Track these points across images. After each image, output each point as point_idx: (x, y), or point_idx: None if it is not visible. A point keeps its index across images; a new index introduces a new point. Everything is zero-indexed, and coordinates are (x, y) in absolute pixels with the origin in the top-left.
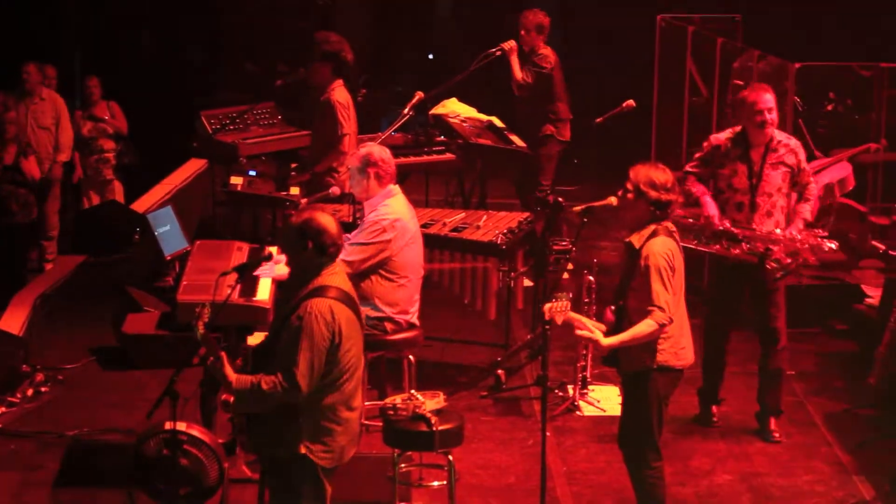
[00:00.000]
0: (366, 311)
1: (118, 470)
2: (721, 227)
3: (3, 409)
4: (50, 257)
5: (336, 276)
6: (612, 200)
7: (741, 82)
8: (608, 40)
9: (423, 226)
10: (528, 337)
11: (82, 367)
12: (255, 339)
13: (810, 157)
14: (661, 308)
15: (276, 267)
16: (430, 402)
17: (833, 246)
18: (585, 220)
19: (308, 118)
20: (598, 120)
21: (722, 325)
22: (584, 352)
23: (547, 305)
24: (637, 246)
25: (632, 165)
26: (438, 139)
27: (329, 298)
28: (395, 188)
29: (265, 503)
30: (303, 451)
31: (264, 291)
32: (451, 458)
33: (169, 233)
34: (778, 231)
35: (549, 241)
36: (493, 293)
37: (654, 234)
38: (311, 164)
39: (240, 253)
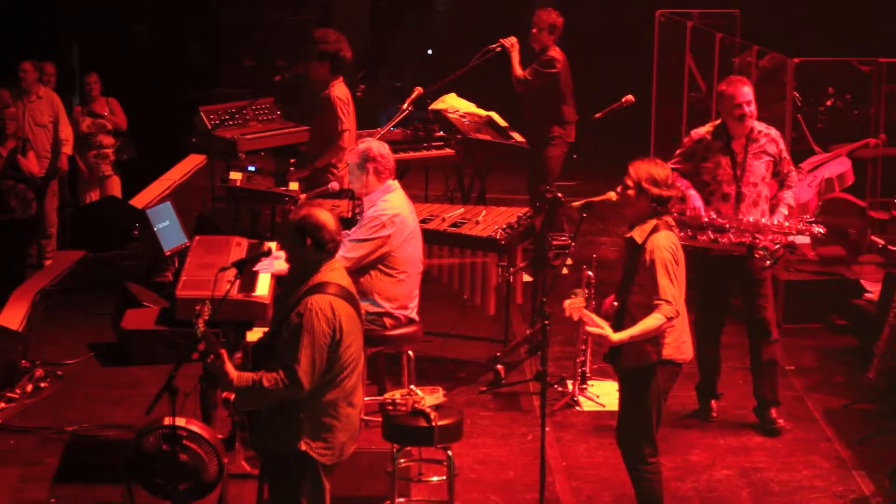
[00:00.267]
0: (365, 306)
1: (117, 465)
2: (707, 219)
3: (3, 404)
4: (50, 253)
5: (335, 271)
6: (612, 196)
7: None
8: (607, 35)
9: (423, 221)
10: (528, 332)
11: (82, 362)
12: (255, 334)
13: (809, 153)
14: (668, 302)
15: (275, 262)
16: (429, 398)
17: (821, 230)
18: (584, 215)
19: (307, 113)
20: (597, 115)
21: (713, 319)
22: (584, 347)
23: (567, 302)
24: (639, 241)
25: (630, 161)
26: (438, 134)
27: (329, 295)
28: (395, 183)
29: (264, 499)
30: (303, 447)
31: (263, 287)
32: (450, 453)
33: (168, 228)
34: (764, 220)
35: (548, 236)
36: (492, 288)
37: (655, 229)
38: (311, 159)
39: (239, 248)
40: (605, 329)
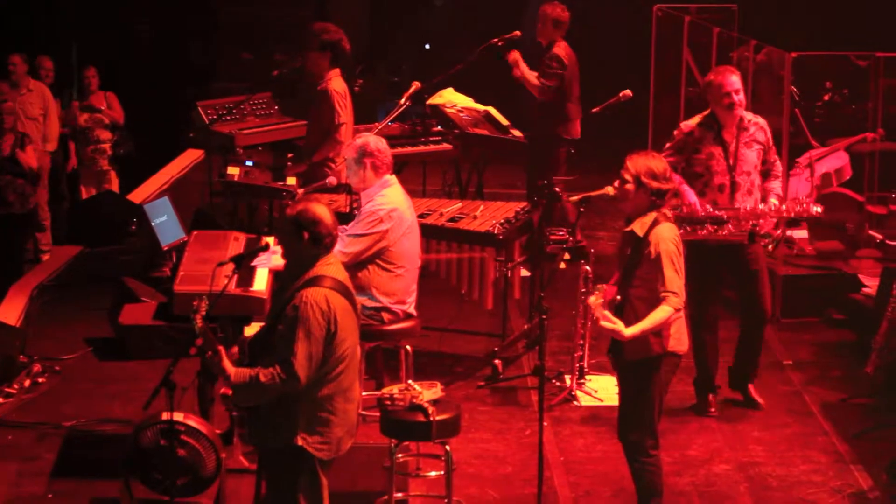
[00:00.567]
0: (363, 301)
1: (115, 460)
2: (704, 213)
3: (1, 399)
4: (45, 247)
5: (331, 266)
6: (609, 190)
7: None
8: (605, 29)
9: (420, 216)
10: (526, 327)
11: (79, 357)
12: (252, 329)
13: (807, 147)
14: (674, 293)
15: (272, 257)
16: (427, 392)
17: (819, 209)
18: (582, 209)
19: (304, 108)
20: (595, 110)
21: (710, 310)
22: (581, 342)
23: (591, 299)
24: (640, 234)
25: (628, 155)
26: (435, 129)
27: (324, 288)
28: (392, 178)
29: (262, 494)
30: (300, 442)
31: (261, 282)
32: (448, 447)
33: (165, 223)
34: (762, 206)
35: (545, 230)
36: (489, 283)
37: (656, 222)
38: (308, 153)
39: (236, 243)
40: (618, 324)
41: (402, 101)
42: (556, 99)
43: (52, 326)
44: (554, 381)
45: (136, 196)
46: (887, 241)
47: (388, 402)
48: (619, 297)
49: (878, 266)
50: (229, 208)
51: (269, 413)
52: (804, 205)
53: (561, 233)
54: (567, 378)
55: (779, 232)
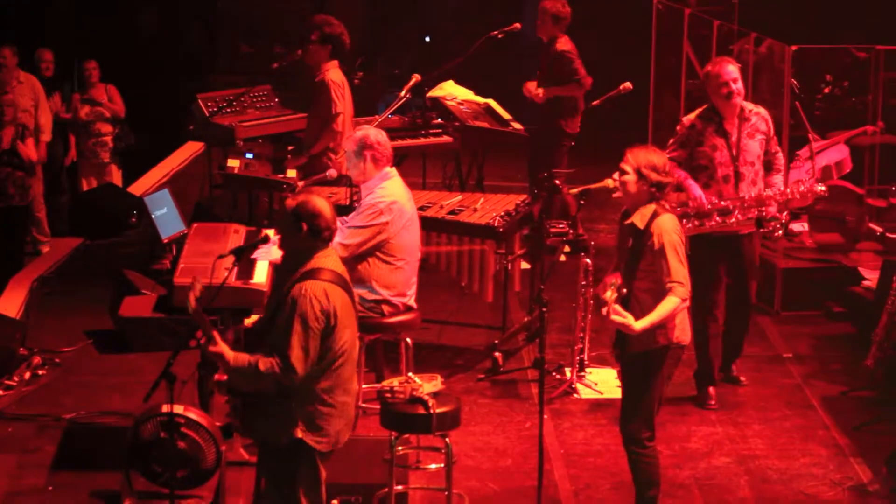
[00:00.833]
0: (363, 293)
1: (115, 453)
2: (710, 206)
3: (1, 391)
4: (44, 239)
5: (329, 258)
6: (609, 183)
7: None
8: (605, 22)
9: (420, 208)
10: (526, 319)
11: (79, 350)
12: (252, 321)
13: (807, 140)
14: (680, 283)
15: (272, 249)
16: (427, 385)
17: (823, 188)
18: (582, 202)
19: (304, 101)
20: (595, 103)
21: (711, 303)
22: (582, 335)
23: (608, 294)
24: (641, 226)
25: (628, 148)
26: (435, 122)
27: (323, 281)
28: (392, 171)
29: (262, 487)
30: (298, 435)
31: (261, 274)
32: (448, 440)
33: (166, 216)
34: (767, 191)
35: (546, 223)
36: (490, 276)
37: (656, 214)
38: (308, 146)
39: (236, 236)
40: (628, 318)
41: (403, 93)
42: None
43: (53, 319)
44: (554, 373)
45: (136, 188)
46: (887, 234)
47: (389, 395)
48: (624, 290)
49: (879, 259)
50: (229, 201)
51: (267, 406)
52: (807, 185)
53: (561, 225)
54: (567, 371)
55: (785, 215)
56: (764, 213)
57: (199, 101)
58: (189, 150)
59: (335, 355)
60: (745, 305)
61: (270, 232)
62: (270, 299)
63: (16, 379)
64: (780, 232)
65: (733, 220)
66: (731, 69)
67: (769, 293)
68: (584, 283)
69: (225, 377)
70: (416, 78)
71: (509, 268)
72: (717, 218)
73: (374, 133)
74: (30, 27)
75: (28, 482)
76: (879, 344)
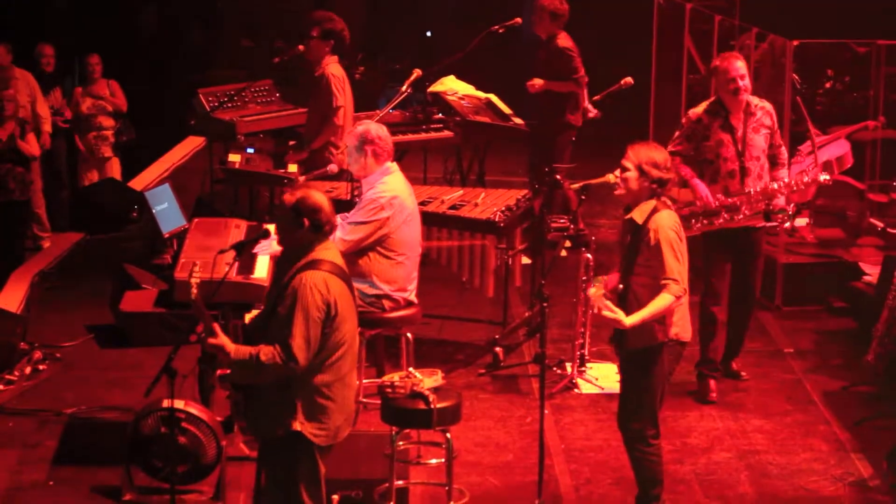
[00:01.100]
0: (364, 288)
1: (116, 448)
2: (717, 203)
3: (2, 386)
4: (44, 234)
5: (329, 251)
6: (610, 178)
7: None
8: (606, 17)
9: (421, 203)
10: (526, 314)
11: (80, 344)
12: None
13: (809, 135)
14: (675, 280)
15: (273, 244)
16: (428, 380)
17: (827, 176)
18: (583, 197)
19: (306, 95)
20: (596, 98)
21: (715, 297)
22: (582, 330)
23: (591, 291)
24: (640, 222)
25: (629, 144)
26: (436, 117)
27: (323, 272)
28: (393, 166)
29: (262, 482)
30: (297, 427)
31: (262, 269)
32: (449, 435)
33: (167, 210)
34: (772, 185)
35: (547, 218)
36: (490, 271)
37: (655, 209)
38: (309, 140)
39: (237, 230)
40: (619, 313)
41: (404, 88)
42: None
43: (53, 313)
44: (555, 368)
45: (137, 183)
46: (888, 230)
47: (389, 390)
48: (620, 286)
49: (880, 254)
50: (230, 195)
51: (267, 400)
52: (811, 174)
53: (562, 220)
54: (568, 366)
55: (792, 206)
56: (771, 206)
57: (200, 95)
58: (190, 144)
59: (335, 346)
60: (748, 299)
61: (271, 227)
62: (270, 292)
63: (16, 374)
64: (789, 223)
65: (741, 215)
66: (740, 65)
67: (770, 288)
68: (584, 278)
69: (226, 371)
70: (417, 73)
71: (510, 263)
72: (725, 215)
73: (374, 128)
74: (30, 22)
75: (29, 477)
76: (880, 339)
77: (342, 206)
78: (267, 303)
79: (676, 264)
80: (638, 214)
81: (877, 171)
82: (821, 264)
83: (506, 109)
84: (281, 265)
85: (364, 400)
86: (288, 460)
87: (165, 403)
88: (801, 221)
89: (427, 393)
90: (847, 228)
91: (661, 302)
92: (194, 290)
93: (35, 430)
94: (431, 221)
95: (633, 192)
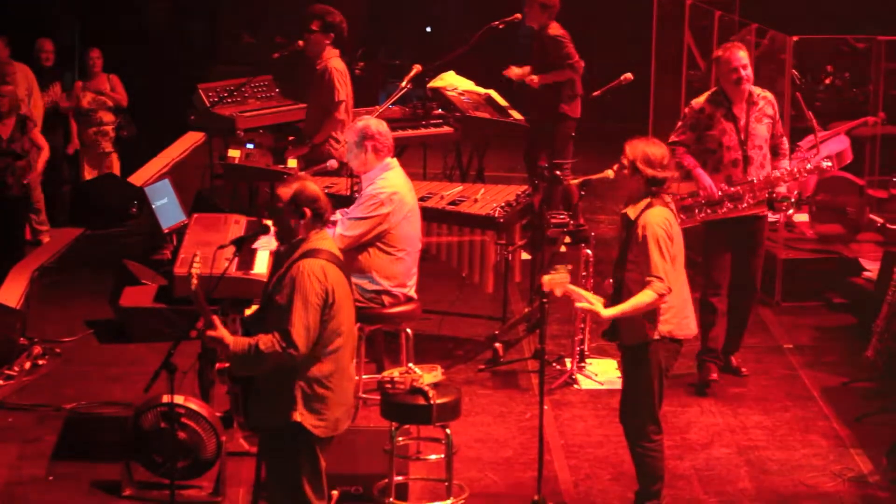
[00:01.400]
0: (363, 283)
1: (115, 443)
2: (721, 193)
3: (1, 381)
4: (43, 228)
5: (325, 240)
6: (609, 173)
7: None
8: (605, 13)
9: (421, 199)
10: (526, 310)
11: (80, 340)
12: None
13: (808, 131)
14: (659, 278)
15: (273, 240)
16: (427, 376)
17: (829, 164)
18: (583, 192)
19: (305, 91)
20: (596, 93)
21: (716, 287)
22: (582, 325)
23: (546, 277)
24: (633, 217)
25: (628, 139)
26: (436, 112)
27: (321, 259)
28: (393, 161)
29: (262, 477)
30: (297, 418)
31: (262, 264)
32: (448, 431)
33: (166, 206)
34: (775, 173)
35: (546, 214)
36: (490, 266)
37: (649, 206)
38: (309, 135)
39: (237, 226)
40: (596, 305)
41: (403, 83)
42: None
43: (53, 309)
44: (554, 364)
45: (137, 178)
46: (888, 225)
47: (389, 386)
48: (610, 280)
49: (879, 250)
50: (230, 191)
51: (267, 392)
52: (814, 162)
53: (561, 216)
54: (567, 361)
55: (795, 193)
56: (775, 195)
57: (200, 91)
58: (190, 140)
59: (333, 335)
60: (749, 290)
61: (271, 222)
62: (268, 283)
63: (16, 369)
64: (792, 210)
65: (744, 204)
66: (742, 55)
67: (770, 284)
68: (584, 273)
69: (225, 366)
70: (416, 68)
71: (510, 258)
72: (729, 204)
73: (374, 123)
74: (30, 16)
75: (28, 472)
76: (880, 335)
77: (342, 201)
78: (264, 294)
79: (662, 262)
80: (632, 210)
81: (876, 166)
82: (820, 260)
83: (505, 105)
84: (279, 257)
85: (364, 395)
86: (288, 452)
87: (165, 399)
88: (800, 217)
89: (427, 389)
90: (847, 224)
91: (641, 298)
92: (195, 282)
93: (35, 425)
94: (431, 217)
95: (629, 188)
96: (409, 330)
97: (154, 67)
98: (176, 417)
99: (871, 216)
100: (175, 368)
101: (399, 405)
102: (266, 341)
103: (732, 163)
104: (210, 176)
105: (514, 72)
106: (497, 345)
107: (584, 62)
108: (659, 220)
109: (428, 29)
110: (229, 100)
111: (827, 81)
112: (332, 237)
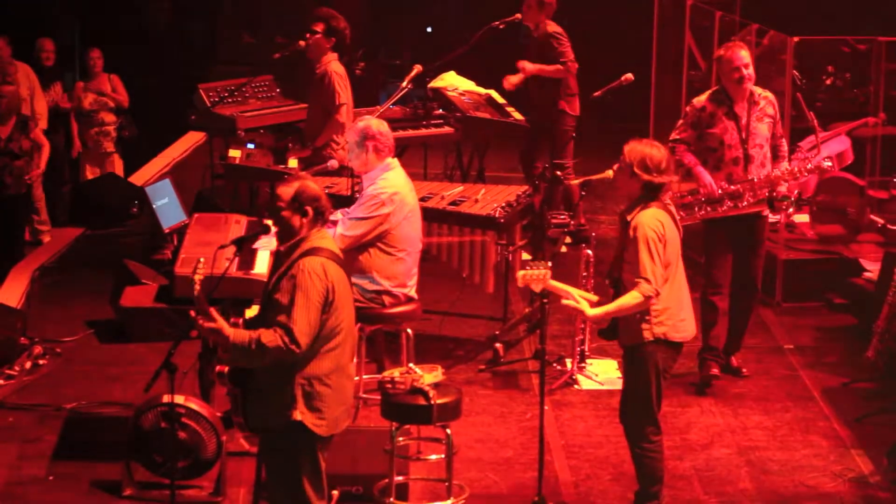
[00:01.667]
0: (364, 284)
1: (116, 443)
2: (721, 191)
3: (2, 381)
4: (43, 228)
5: (326, 239)
6: (609, 174)
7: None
8: (606, 13)
9: (422, 199)
10: (527, 310)
11: (80, 339)
12: (253, 312)
13: (809, 131)
14: (647, 280)
15: (274, 240)
16: (428, 376)
17: (829, 164)
18: (583, 193)
19: (306, 91)
20: (597, 94)
21: (717, 285)
22: (583, 325)
23: (520, 273)
24: (629, 218)
25: (627, 141)
26: (437, 112)
27: (322, 258)
28: (394, 161)
29: (262, 477)
30: (297, 417)
31: (262, 264)
32: (449, 431)
33: (167, 206)
34: (775, 172)
35: (547, 214)
36: (491, 266)
37: (645, 206)
38: (310, 137)
39: (238, 226)
40: (582, 304)
41: (404, 84)
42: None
43: (53, 308)
44: (555, 364)
45: (137, 178)
46: (888, 226)
47: (389, 386)
48: (607, 280)
49: (880, 250)
50: (230, 191)
51: (267, 391)
52: (814, 162)
53: (562, 216)
54: (568, 362)
55: (795, 193)
56: (775, 194)
57: (201, 91)
58: (190, 140)
59: (332, 333)
60: (750, 290)
61: (271, 222)
62: (268, 282)
63: (16, 368)
64: (792, 210)
65: (745, 203)
66: (744, 54)
67: (770, 285)
68: (585, 274)
69: (225, 368)
70: (417, 68)
71: (510, 259)
72: (729, 202)
73: (375, 123)
74: (30, 16)
75: (28, 472)
76: (881, 335)
77: (343, 201)
78: (264, 294)
79: (650, 264)
80: (628, 211)
81: (877, 167)
82: (821, 261)
83: (506, 105)
84: (279, 257)
85: (364, 395)
86: (289, 451)
87: (165, 399)
88: (801, 218)
89: (427, 389)
90: (847, 225)
91: (627, 299)
92: (198, 287)
93: (35, 424)
94: (432, 217)
95: (627, 188)
96: (409, 330)
97: (154, 67)
98: (176, 417)
99: (872, 217)
100: (175, 368)
101: (399, 405)
102: (268, 336)
103: (733, 161)
104: (211, 176)
105: (512, 80)
106: (497, 345)
107: (577, 64)
108: (650, 222)
109: (429, 29)
110: (230, 100)
111: (828, 82)
112: (332, 237)
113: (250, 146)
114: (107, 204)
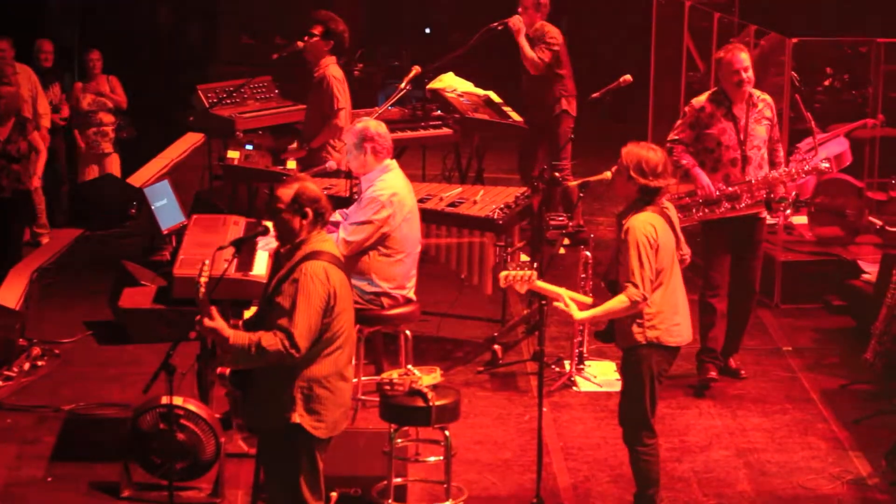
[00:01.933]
0: (363, 285)
1: (114, 444)
2: (718, 192)
3: (1, 382)
4: (42, 231)
5: (326, 242)
6: (608, 175)
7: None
8: (604, 15)
9: (420, 200)
10: (525, 312)
11: (79, 341)
12: (251, 313)
13: (807, 133)
14: (634, 284)
15: (272, 241)
16: (426, 378)
17: (827, 165)
18: (582, 194)
19: (305, 92)
20: (595, 95)
21: (716, 285)
22: (581, 327)
23: (502, 273)
24: (623, 220)
25: (626, 142)
26: (435, 114)
27: (323, 262)
28: (392, 163)
29: (261, 479)
30: (296, 419)
31: (261, 266)
32: (447, 433)
33: (165, 207)
34: (773, 173)
35: (545, 215)
36: (489, 268)
37: (639, 209)
38: (307, 139)
39: (236, 227)
40: (571, 306)
41: (402, 85)
42: (554, 77)
43: (52, 310)
44: (553, 366)
45: (136, 179)
46: (887, 228)
47: (388, 387)
48: (603, 282)
49: (878, 252)
50: (229, 192)
51: (266, 394)
52: (812, 163)
53: (560, 218)
54: (566, 363)
55: (793, 194)
56: (772, 195)
57: (199, 92)
58: (189, 141)
59: (333, 337)
60: (749, 291)
61: (270, 223)
62: (268, 284)
63: (15, 370)
64: (790, 211)
65: (742, 204)
66: (743, 57)
67: (769, 286)
68: (583, 275)
69: (225, 371)
70: (415, 70)
71: (509, 260)
72: (727, 204)
73: (374, 125)
74: (30, 17)
75: (27, 473)
76: (879, 337)
77: (341, 202)
78: (263, 296)
79: (638, 268)
80: (624, 213)
81: (875, 169)
82: (819, 262)
83: (504, 106)
84: (279, 259)
85: (363, 397)
86: (287, 453)
87: (164, 400)
88: (799, 219)
89: (426, 390)
90: (846, 226)
91: (613, 304)
92: (202, 290)
93: (33, 426)
94: (430, 219)
95: (624, 192)
96: (408, 331)
97: (154, 68)
98: (175, 419)
99: (870, 218)
100: (174, 369)
101: (398, 407)
102: (268, 339)
103: (731, 162)
104: (209, 177)
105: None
106: (496, 347)
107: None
108: (642, 227)
109: (427, 30)
110: (228, 101)
111: (826, 83)
112: (335, 242)
113: (249, 147)
114: (105, 205)
